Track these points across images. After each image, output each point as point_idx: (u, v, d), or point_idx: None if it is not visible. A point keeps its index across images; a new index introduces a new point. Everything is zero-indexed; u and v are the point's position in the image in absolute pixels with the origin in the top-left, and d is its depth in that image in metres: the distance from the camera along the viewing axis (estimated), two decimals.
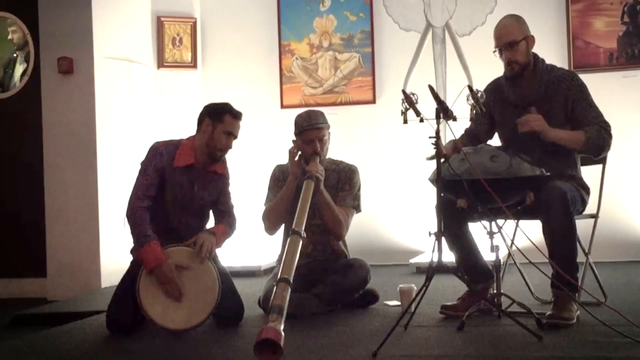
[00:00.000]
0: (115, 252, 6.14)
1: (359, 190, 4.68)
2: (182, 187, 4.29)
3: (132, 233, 4.18)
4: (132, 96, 6.76)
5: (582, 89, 4.14)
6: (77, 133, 6.33)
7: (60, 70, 6.34)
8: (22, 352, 3.99)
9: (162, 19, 7.13)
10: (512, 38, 4.12)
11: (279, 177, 4.67)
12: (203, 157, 4.31)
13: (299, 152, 4.52)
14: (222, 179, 4.43)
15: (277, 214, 4.55)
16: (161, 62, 7.14)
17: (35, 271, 6.63)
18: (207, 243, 4.13)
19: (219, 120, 4.26)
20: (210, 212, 4.48)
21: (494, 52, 4.20)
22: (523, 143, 4.01)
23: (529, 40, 4.17)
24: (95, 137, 6.31)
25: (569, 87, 4.12)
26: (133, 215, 4.16)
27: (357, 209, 4.67)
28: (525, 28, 4.19)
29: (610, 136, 4.07)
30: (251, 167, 7.02)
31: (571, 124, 4.11)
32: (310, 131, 4.49)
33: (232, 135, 4.29)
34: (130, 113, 6.70)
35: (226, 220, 4.40)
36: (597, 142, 4.03)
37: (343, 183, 4.64)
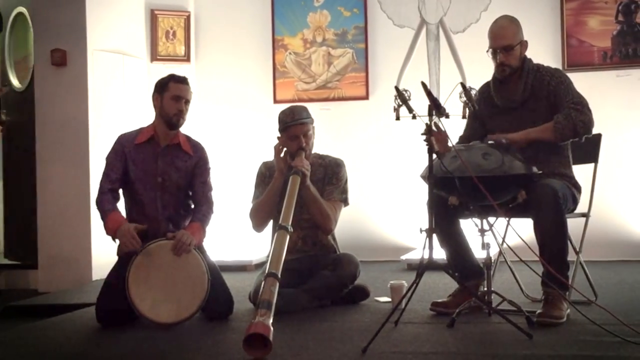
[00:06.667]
0: (106, 245, 6.08)
1: (345, 183, 4.68)
2: (144, 162, 4.39)
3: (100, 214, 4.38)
4: (125, 89, 6.74)
5: (563, 79, 4.15)
6: (70, 125, 6.31)
7: (54, 62, 6.31)
8: (12, 343, 4.00)
9: (156, 12, 7.12)
10: (508, 42, 4.13)
11: (265, 174, 4.66)
12: (162, 129, 4.40)
13: (284, 148, 4.52)
14: (191, 160, 4.43)
15: (264, 211, 4.55)
16: (154, 56, 7.13)
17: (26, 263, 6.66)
18: (185, 235, 4.17)
19: (165, 89, 4.39)
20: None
21: (487, 51, 4.20)
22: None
23: (523, 45, 4.20)
24: (88, 130, 6.29)
25: (549, 82, 4.13)
26: (98, 201, 4.37)
27: (345, 202, 4.67)
28: (521, 32, 4.21)
29: (583, 112, 3.98)
30: (243, 162, 7.01)
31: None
32: (294, 127, 4.48)
33: (180, 98, 4.37)
34: (123, 106, 6.68)
35: (199, 213, 4.40)
36: (566, 123, 3.97)
37: (330, 177, 4.64)
